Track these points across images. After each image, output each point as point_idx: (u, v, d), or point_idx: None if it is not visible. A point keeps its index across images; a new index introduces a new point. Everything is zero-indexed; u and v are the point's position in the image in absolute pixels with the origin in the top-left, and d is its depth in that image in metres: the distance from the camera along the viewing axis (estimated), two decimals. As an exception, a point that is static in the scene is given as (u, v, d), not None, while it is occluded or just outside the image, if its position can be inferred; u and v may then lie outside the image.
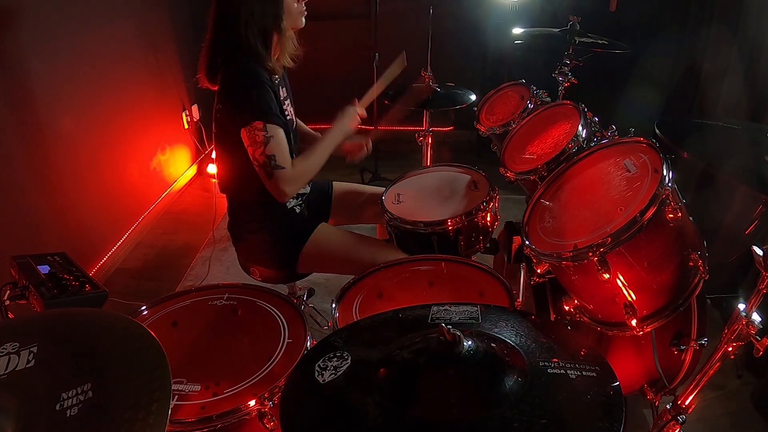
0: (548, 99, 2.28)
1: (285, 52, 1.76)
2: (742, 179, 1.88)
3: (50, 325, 0.94)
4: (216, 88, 1.77)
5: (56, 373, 0.81)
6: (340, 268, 1.89)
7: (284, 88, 1.86)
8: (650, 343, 1.46)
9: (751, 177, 1.80)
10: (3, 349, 0.83)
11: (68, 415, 0.73)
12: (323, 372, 0.92)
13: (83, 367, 0.81)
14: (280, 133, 1.66)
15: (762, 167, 1.77)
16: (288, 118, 1.84)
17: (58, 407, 0.74)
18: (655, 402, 1.56)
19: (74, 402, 0.75)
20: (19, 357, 0.82)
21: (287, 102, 1.87)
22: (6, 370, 0.80)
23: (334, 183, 2.18)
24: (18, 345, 0.84)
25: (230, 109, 1.70)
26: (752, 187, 1.90)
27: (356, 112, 1.91)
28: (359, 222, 2.25)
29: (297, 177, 1.71)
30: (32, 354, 0.83)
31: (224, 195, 1.94)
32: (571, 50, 2.41)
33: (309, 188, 2.02)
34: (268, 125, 1.63)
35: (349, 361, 0.94)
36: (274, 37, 1.72)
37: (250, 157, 1.66)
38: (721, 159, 1.88)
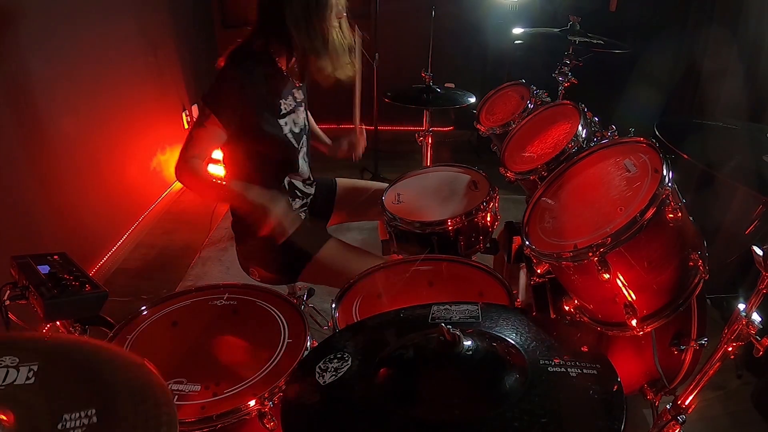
0: (548, 99, 2.28)
1: (335, 66, 1.72)
2: (742, 180, 1.89)
3: (53, 348, 0.92)
4: None
5: (58, 393, 0.79)
6: (341, 284, 1.88)
7: (300, 91, 1.85)
8: (650, 343, 1.46)
9: (751, 178, 1.80)
10: (1, 361, 0.82)
11: None
12: (324, 374, 0.92)
13: (88, 393, 0.80)
14: (215, 130, 1.64)
15: (761, 168, 1.77)
16: (292, 116, 1.82)
17: (60, 427, 0.73)
18: (655, 402, 1.56)
19: (77, 425, 0.74)
20: (18, 372, 0.81)
21: (301, 107, 1.85)
22: (3, 382, 0.79)
23: (337, 180, 2.17)
24: (17, 360, 0.82)
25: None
26: (752, 189, 1.90)
27: (288, 215, 1.69)
28: (363, 218, 2.24)
29: (187, 174, 1.70)
30: (32, 372, 0.81)
31: None
32: (571, 50, 2.42)
33: (314, 190, 2.01)
34: (207, 111, 1.62)
35: (349, 361, 0.94)
36: (321, 38, 1.67)
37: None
38: (720, 160, 1.88)
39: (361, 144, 2.05)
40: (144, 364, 0.90)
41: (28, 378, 0.81)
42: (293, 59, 1.74)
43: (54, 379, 0.82)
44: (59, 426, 0.73)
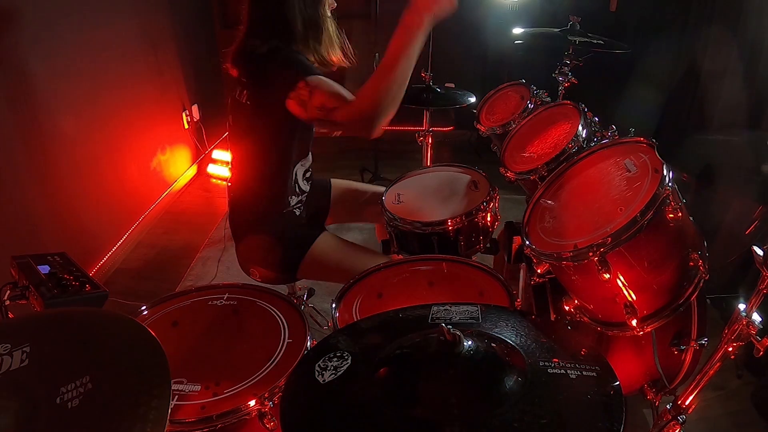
0: (548, 99, 2.29)
1: (330, 51, 1.75)
2: (742, 194, 1.89)
3: (42, 324, 0.95)
4: (236, 74, 1.76)
5: (52, 369, 0.81)
6: (338, 278, 1.87)
7: None
8: (650, 343, 1.46)
9: (751, 189, 1.80)
10: None
11: (69, 407, 0.75)
12: (323, 372, 0.92)
13: (80, 362, 0.82)
14: (322, 80, 1.58)
15: (761, 179, 1.77)
16: None
17: (58, 401, 0.75)
18: (655, 402, 1.56)
19: (74, 394, 0.76)
20: (12, 358, 0.82)
21: None
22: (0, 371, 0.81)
23: (332, 180, 2.18)
24: (9, 346, 0.84)
25: (270, 86, 1.64)
26: (751, 199, 1.90)
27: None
28: (359, 221, 2.24)
29: (365, 102, 1.51)
30: (25, 354, 0.83)
31: (230, 191, 1.93)
32: (571, 50, 2.42)
33: (308, 188, 2.02)
34: (308, 79, 1.57)
35: (349, 361, 0.94)
36: (318, 33, 1.71)
37: (311, 120, 1.61)
38: (719, 176, 1.89)
39: None
40: (131, 320, 0.91)
41: (22, 361, 0.83)
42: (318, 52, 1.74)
43: (47, 356, 0.84)
44: (57, 400, 0.75)
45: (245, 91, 1.73)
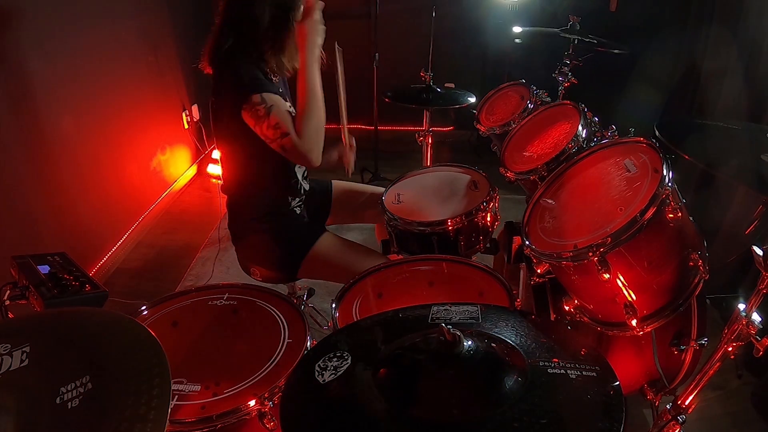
0: (548, 99, 2.28)
1: (292, 56, 1.74)
2: (741, 180, 1.88)
3: (42, 325, 0.95)
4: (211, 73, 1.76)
5: (52, 369, 0.82)
6: (340, 278, 1.88)
7: (283, 90, 1.86)
8: (650, 343, 1.46)
9: (751, 177, 1.80)
10: None
11: (69, 407, 0.75)
12: (323, 372, 0.92)
13: (80, 362, 0.82)
14: (279, 100, 1.63)
15: (761, 167, 1.77)
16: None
17: (58, 401, 0.75)
18: (655, 402, 1.56)
19: (74, 394, 0.76)
20: (12, 357, 0.83)
21: (288, 102, 1.86)
22: None
23: (333, 182, 2.18)
24: (9, 346, 0.84)
25: (226, 94, 1.67)
26: (752, 188, 1.90)
27: (314, 19, 1.68)
28: (359, 221, 2.25)
29: (308, 140, 1.62)
30: (25, 354, 0.83)
31: (224, 190, 1.93)
32: (571, 50, 2.42)
33: (308, 186, 2.01)
34: (264, 95, 1.60)
35: (349, 361, 0.94)
36: (286, 33, 1.70)
37: (261, 136, 1.62)
38: (720, 160, 1.88)
39: (351, 159, 1.99)
40: (131, 320, 0.91)
41: (22, 361, 0.83)
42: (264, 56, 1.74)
43: (46, 356, 0.84)
44: (57, 400, 0.75)
45: (213, 95, 1.74)
